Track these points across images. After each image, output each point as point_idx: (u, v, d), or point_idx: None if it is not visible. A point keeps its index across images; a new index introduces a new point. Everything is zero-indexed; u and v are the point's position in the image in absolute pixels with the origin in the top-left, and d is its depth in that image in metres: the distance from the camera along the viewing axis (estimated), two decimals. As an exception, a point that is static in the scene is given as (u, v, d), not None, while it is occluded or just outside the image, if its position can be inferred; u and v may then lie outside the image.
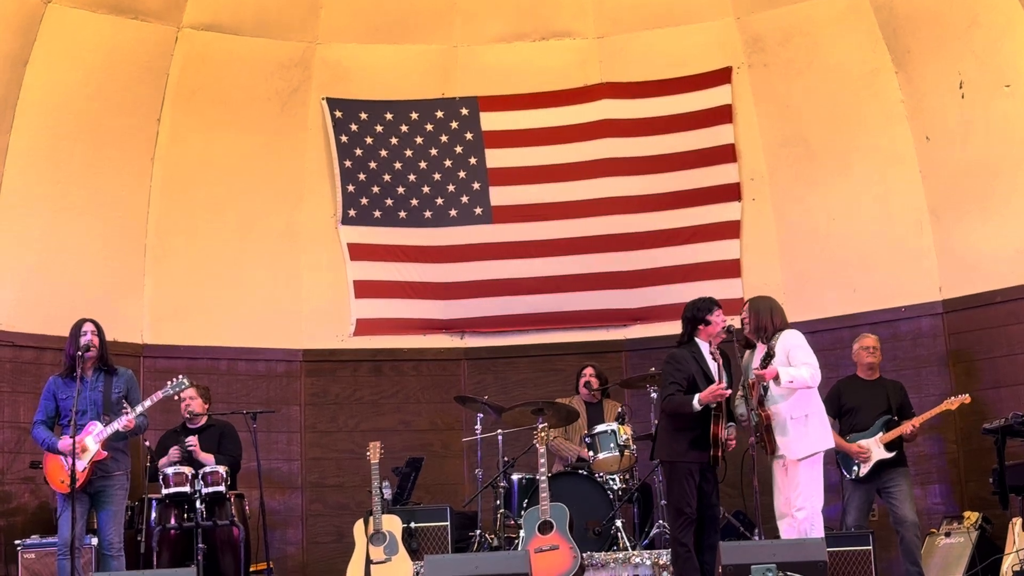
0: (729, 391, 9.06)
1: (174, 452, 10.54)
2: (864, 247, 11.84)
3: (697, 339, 9.32)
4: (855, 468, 10.33)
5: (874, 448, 10.28)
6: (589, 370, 11.54)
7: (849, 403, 10.48)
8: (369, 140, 12.68)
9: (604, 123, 12.63)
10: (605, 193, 12.61)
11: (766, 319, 9.26)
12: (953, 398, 10.38)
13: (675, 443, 9.19)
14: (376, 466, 10.44)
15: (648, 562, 9.97)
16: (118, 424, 9.28)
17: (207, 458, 10.61)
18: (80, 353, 9.39)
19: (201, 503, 10.14)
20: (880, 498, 10.48)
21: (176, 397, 9.82)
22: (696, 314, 9.35)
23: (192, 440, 10.68)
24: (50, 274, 11.60)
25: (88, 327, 9.50)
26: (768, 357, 9.00)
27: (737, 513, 11.03)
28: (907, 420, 10.34)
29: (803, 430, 9.05)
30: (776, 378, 8.96)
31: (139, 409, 9.39)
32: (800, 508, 8.98)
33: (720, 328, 9.26)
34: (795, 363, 9.05)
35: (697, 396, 8.98)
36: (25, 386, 11.34)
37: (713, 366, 9.16)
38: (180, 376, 9.70)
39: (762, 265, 12.23)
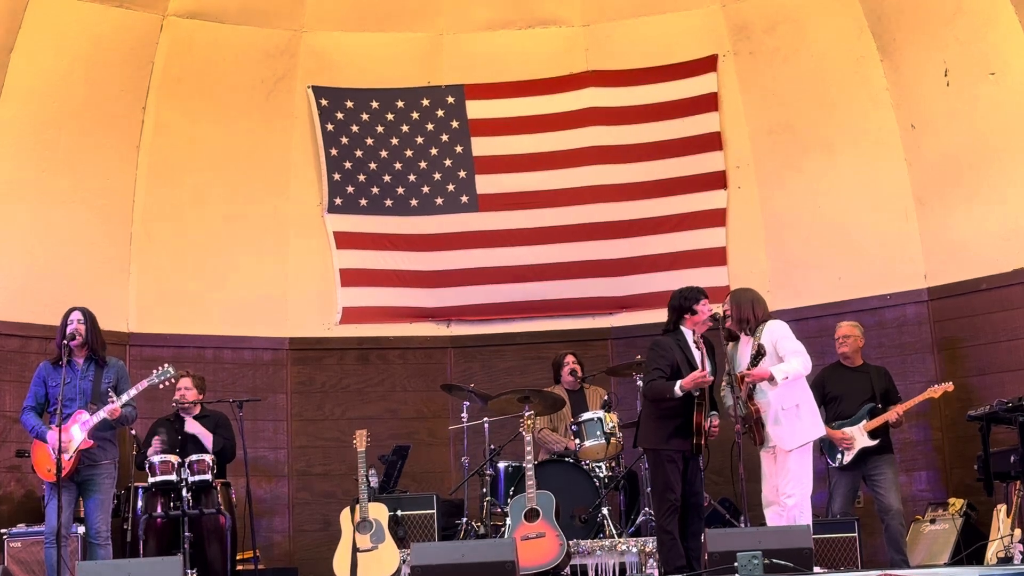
0: (711, 378, 9.09)
1: (156, 442, 10.51)
2: (849, 234, 11.86)
3: (683, 327, 9.35)
4: (839, 456, 10.35)
5: (858, 436, 10.29)
6: (571, 358, 11.54)
7: (833, 391, 10.50)
8: (355, 128, 12.67)
9: (590, 111, 12.63)
10: (591, 181, 12.61)
11: (748, 311, 9.27)
12: (937, 386, 10.42)
13: (658, 431, 9.22)
14: (362, 454, 10.44)
15: (634, 549, 10.00)
16: (104, 412, 9.26)
17: (205, 435, 10.60)
18: (66, 341, 9.38)
19: (187, 491, 10.12)
20: (865, 485, 10.50)
21: (161, 386, 9.79)
22: (683, 303, 9.38)
23: (190, 420, 10.66)
24: (35, 262, 11.58)
25: (75, 315, 9.48)
26: (759, 355, 9.00)
27: (723, 500, 11.07)
28: (892, 406, 10.36)
29: (795, 420, 9.07)
30: (771, 379, 8.97)
31: (124, 398, 9.37)
32: (790, 495, 9.00)
33: (706, 317, 9.30)
34: (783, 353, 9.06)
35: (679, 382, 9.01)
36: (10, 375, 11.32)
37: (697, 355, 9.19)
38: (165, 365, 9.70)
39: (748, 253, 12.25)
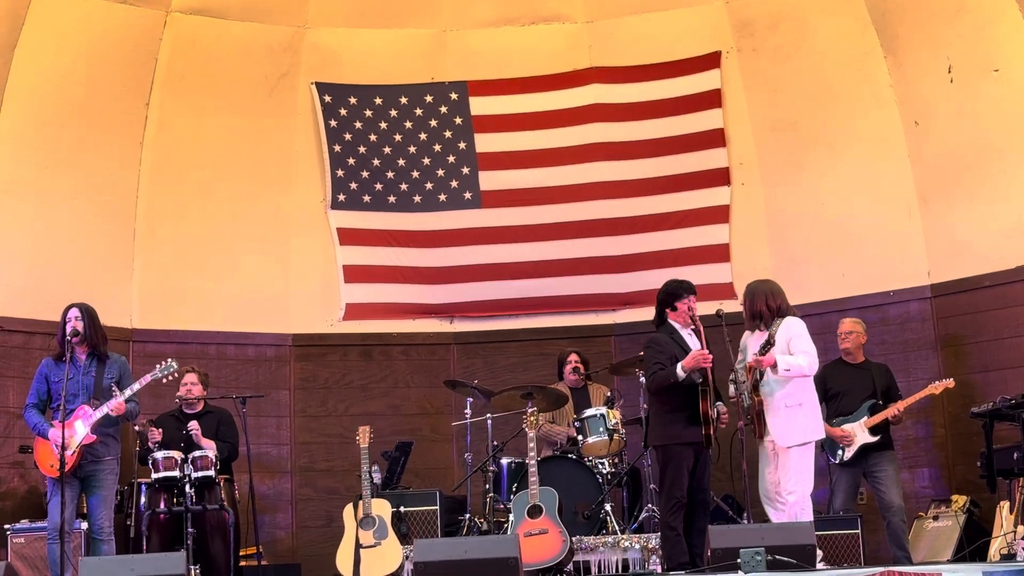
0: (711, 356, 9.06)
1: (156, 433, 10.48)
2: (853, 231, 11.86)
3: (670, 321, 9.37)
4: (839, 452, 10.35)
5: (858, 432, 10.30)
6: (574, 356, 11.56)
7: (834, 388, 10.50)
8: (358, 125, 12.67)
9: (593, 107, 12.64)
10: (594, 178, 12.62)
11: (761, 304, 9.26)
12: (937, 382, 10.43)
13: (668, 427, 9.20)
14: (365, 450, 10.44)
15: (637, 546, 10.00)
16: (107, 407, 9.26)
17: (208, 444, 10.60)
18: (68, 338, 9.38)
19: (190, 487, 10.14)
20: (867, 482, 10.50)
21: (164, 381, 9.78)
22: (665, 298, 9.45)
23: (194, 425, 10.66)
24: (39, 259, 11.58)
25: (73, 313, 9.46)
26: (768, 344, 9.01)
27: (726, 497, 11.07)
28: (893, 403, 10.37)
29: (795, 418, 9.06)
30: (774, 366, 8.98)
31: (128, 393, 9.35)
32: (791, 491, 8.99)
33: (687, 313, 9.28)
34: (795, 352, 9.07)
35: (680, 363, 9.01)
36: (14, 371, 11.33)
37: (693, 343, 9.20)
38: (168, 359, 9.68)
39: (751, 249, 12.25)
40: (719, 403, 9.24)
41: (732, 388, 9.28)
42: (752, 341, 9.25)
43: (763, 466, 9.21)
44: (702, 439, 9.07)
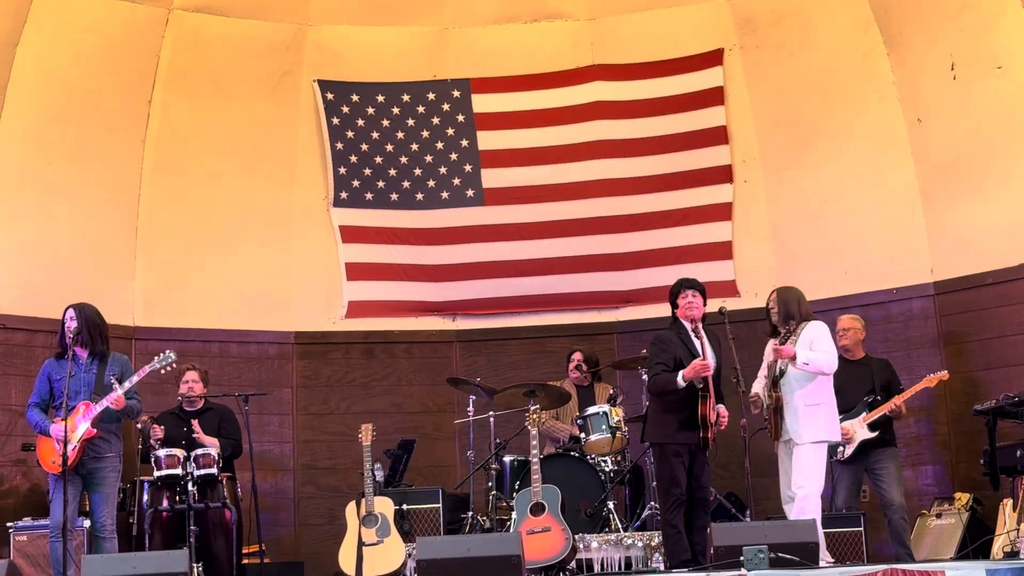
0: (713, 366, 9.09)
1: (157, 430, 10.47)
2: (856, 229, 11.85)
3: (680, 319, 9.38)
4: (840, 449, 10.33)
5: (857, 428, 10.28)
6: (578, 355, 11.57)
7: (834, 384, 10.47)
8: (361, 122, 12.67)
9: (596, 105, 12.62)
10: (597, 175, 12.61)
11: (794, 308, 9.35)
12: (932, 375, 10.40)
13: (664, 425, 9.22)
14: (368, 448, 10.44)
15: (640, 544, 9.99)
16: (107, 401, 9.26)
17: (211, 442, 10.60)
18: (71, 336, 9.39)
19: (193, 485, 10.14)
20: (868, 479, 10.48)
21: (163, 371, 9.75)
22: (669, 295, 9.45)
23: (195, 424, 10.65)
24: (41, 257, 11.58)
25: (68, 314, 9.47)
26: (787, 335, 9.09)
27: (728, 494, 11.06)
28: (893, 398, 10.36)
29: (814, 418, 9.10)
30: (793, 358, 9.01)
31: (127, 385, 9.35)
32: (800, 487, 9.01)
33: (686, 309, 9.29)
34: (816, 350, 9.13)
35: (681, 373, 9.03)
36: (16, 369, 11.33)
37: (698, 343, 9.20)
38: (166, 351, 9.67)
39: (754, 247, 12.25)
40: (720, 405, 9.23)
41: (757, 387, 9.32)
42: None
43: (782, 469, 9.21)
44: (697, 441, 9.09)
